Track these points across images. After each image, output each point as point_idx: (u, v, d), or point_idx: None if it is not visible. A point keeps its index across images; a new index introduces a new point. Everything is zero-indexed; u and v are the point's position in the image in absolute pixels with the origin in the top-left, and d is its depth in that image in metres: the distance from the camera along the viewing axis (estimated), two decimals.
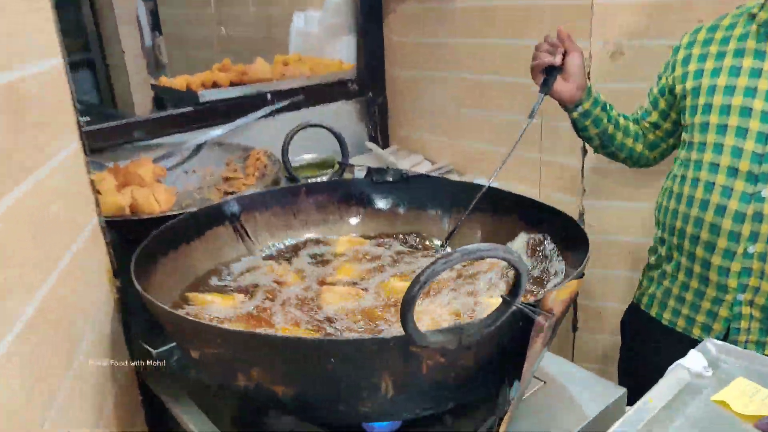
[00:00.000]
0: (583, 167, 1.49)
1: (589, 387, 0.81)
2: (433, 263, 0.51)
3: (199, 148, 1.43)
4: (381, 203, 1.14)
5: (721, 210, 0.99)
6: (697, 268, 1.05)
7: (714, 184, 1.00)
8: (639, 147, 1.20)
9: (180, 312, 0.78)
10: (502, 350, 0.65)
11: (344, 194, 1.13)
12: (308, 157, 1.56)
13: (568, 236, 0.87)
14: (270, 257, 1.03)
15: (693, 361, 0.65)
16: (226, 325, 0.77)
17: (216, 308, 0.83)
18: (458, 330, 0.57)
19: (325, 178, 1.31)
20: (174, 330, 0.72)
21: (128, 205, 1.10)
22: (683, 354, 0.67)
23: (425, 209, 1.12)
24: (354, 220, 1.13)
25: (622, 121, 1.17)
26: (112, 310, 0.76)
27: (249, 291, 0.89)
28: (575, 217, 1.52)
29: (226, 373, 0.71)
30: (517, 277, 0.55)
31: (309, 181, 1.19)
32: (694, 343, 0.71)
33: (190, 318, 0.72)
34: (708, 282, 1.04)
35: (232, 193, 1.23)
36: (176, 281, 0.89)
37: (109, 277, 0.76)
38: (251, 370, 0.65)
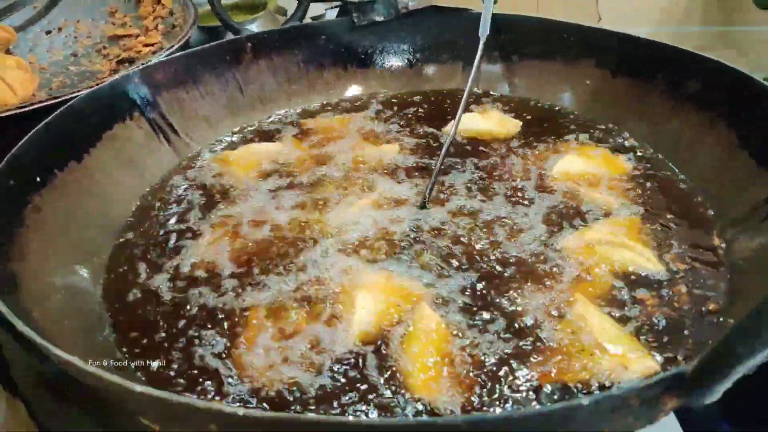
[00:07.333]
0: None
1: None
2: None
3: None
4: (370, 57, 0.76)
5: None
6: None
7: None
8: None
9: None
10: None
11: (312, 48, 0.73)
12: None
13: None
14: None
15: None
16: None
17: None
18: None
19: (268, 25, 0.88)
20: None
21: None
22: None
23: (438, 60, 0.75)
24: (332, 90, 0.75)
25: None
26: None
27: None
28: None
29: None
30: None
31: (253, 30, 0.77)
32: None
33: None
34: None
35: (130, 61, 0.79)
36: (76, 254, 0.48)
37: None
38: None
